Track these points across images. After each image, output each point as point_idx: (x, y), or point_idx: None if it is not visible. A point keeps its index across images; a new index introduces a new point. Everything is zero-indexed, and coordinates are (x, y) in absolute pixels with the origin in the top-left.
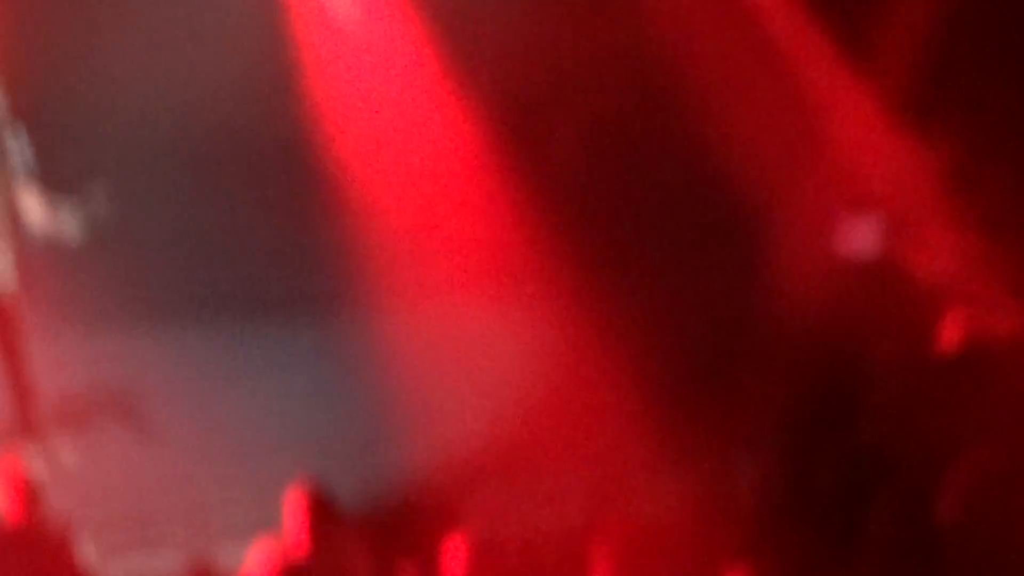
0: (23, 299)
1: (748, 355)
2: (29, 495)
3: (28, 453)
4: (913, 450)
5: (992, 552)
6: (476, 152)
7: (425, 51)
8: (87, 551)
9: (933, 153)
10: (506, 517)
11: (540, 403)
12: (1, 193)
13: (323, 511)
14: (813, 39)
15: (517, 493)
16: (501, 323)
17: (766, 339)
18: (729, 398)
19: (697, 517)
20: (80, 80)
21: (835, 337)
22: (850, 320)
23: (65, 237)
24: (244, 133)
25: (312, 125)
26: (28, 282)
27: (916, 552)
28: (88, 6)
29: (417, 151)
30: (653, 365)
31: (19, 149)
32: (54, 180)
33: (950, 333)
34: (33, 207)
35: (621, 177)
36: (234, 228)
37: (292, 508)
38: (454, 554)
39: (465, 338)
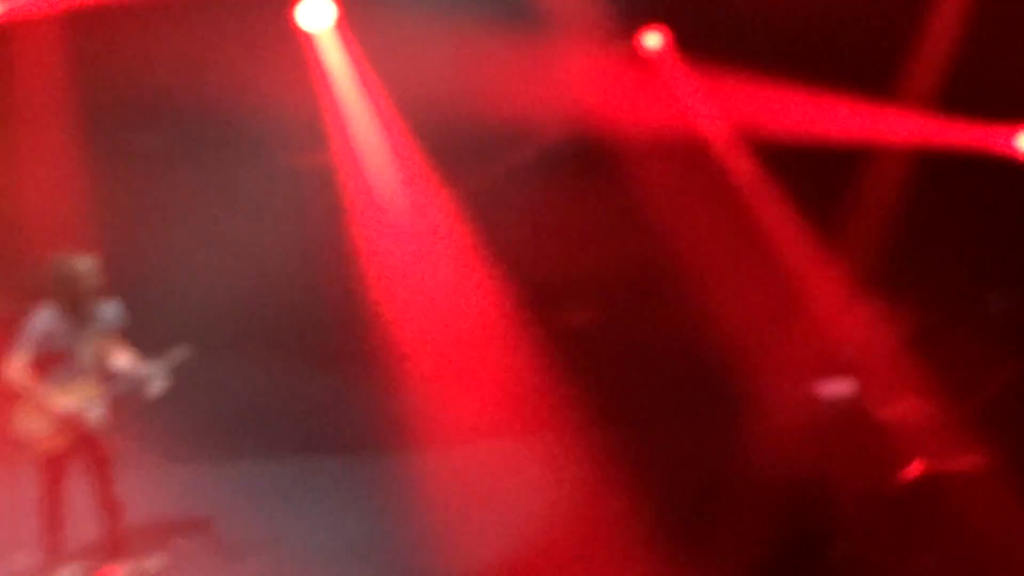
0: (115, 438)
1: (735, 489)
2: None
3: (118, 568)
4: (878, 566)
5: None
6: (503, 313)
7: (458, 228)
8: None
9: (896, 320)
10: None
11: (560, 526)
12: (97, 350)
13: None
14: (790, 215)
15: None
16: (525, 458)
17: (751, 477)
18: (718, 525)
19: None
20: (162, 255)
21: (811, 475)
22: (824, 461)
23: (151, 386)
24: (304, 297)
25: (361, 290)
26: (119, 423)
27: None
28: (169, 195)
29: (452, 311)
30: (653, 497)
31: (113, 315)
32: (142, 340)
33: (910, 472)
34: (123, 361)
35: (625, 339)
36: (295, 377)
37: None
38: None
39: (493, 469)
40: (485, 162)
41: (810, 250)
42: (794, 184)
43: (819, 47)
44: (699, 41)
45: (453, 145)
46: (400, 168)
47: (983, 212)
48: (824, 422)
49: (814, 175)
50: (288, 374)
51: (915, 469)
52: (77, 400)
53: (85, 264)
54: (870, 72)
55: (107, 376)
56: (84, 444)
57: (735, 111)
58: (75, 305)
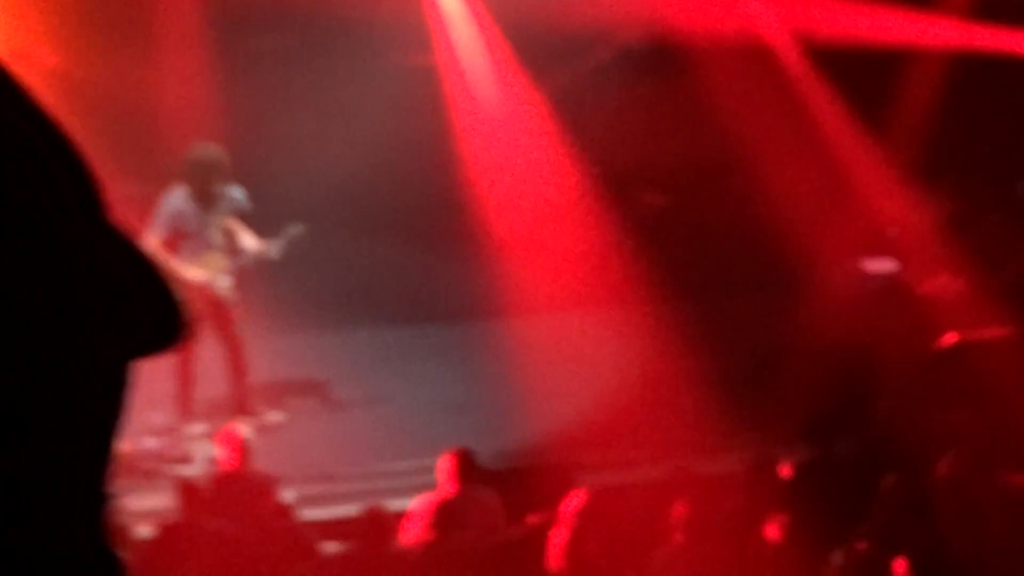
0: (240, 305)
1: (789, 355)
2: (243, 452)
3: (243, 422)
4: (916, 434)
5: (976, 505)
6: (584, 197)
7: (545, 121)
8: (287, 498)
9: (936, 202)
10: (610, 473)
11: (634, 387)
12: (223, 229)
13: (467, 469)
14: (840, 112)
15: (618, 456)
16: (604, 326)
17: (805, 343)
18: (774, 387)
19: (749, 478)
20: (279, 145)
21: (858, 343)
22: (869, 330)
23: (269, 259)
24: (408, 182)
25: (459, 176)
26: (243, 293)
27: (917, 512)
28: (288, 91)
29: (539, 195)
30: (717, 360)
31: (236, 197)
32: (261, 218)
33: (945, 340)
34: (246, 238)
35: (693, 220)
36: (399, 254)
37: (444, 467)
38: (569, 502)
39: (576, 336)
40: (570, 62)
41: (859, 142)
42: (845, 84)
43: None
44: None
45: (542, 46)
46: (494, 67)
47: (1013, 110)
48: (869, 295)
49: (863, 76)
50: (393, 251)
51: (949, 337)
52: (206, 272)
53: (214, 152)
54: None
55: (232, 251)
56: (213, 311)
57: (793, 17)
58: (204, 188)
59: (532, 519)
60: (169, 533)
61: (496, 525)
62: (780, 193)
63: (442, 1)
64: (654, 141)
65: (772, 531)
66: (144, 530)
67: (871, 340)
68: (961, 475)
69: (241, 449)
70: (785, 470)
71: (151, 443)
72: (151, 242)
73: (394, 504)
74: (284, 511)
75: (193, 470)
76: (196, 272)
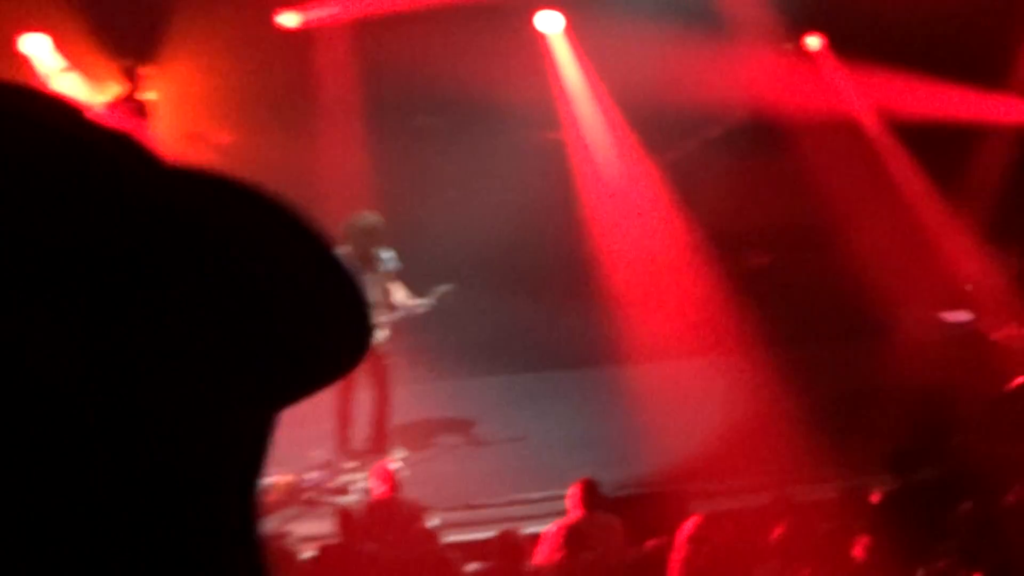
0: (394, 354)
1: (876, 395)
2: (393, 484)
3: (395, 458)
4: (989, 464)
5: None
6: (695, 256)
7: (660, 189)
8: (433, 523)
9: (1006, 260)
10: (719, 499)
11: (739, 425)
12: (380, 285)
13: (593, 497)
14: (921, 180)
15: (726, 484)
16: (712, 371)
17: (889, 385)
18: (863, 424)
19: (840, 504)
20: (427, 212)
21: (936, 384)
22: (947, 373)
23: (420, 314)
24: (539, 243)
25: (584, 238)
26: (397, 343)
27: (990, 534)
28: (437, 164)
29: (654, 255)
30: (813, 400)
31: (390, 259)
32: (412, 277)
33: (1014, 382)
34: (401, 295)
35: (791, 277)
36: (533, 308)
37: (572, 496)
38: (684, 526)
39: (687, 380)
40: (682, 138)
41: (937, 207)
42: (925, 155)
43: (946, 45)
44: (850, 42)
45: (657, 124)
46: (615, 142)
47: None
48: (947, 342)
49: (942, 147)
50: (526, 305)
51: (1018, 380)
52: None
53: (373, 219)
54: (987, 66)
55: (388, 307)
56: (369, 360)
57: (878, 98)
58: (364, 251)
59: (650, 542)
60: (329, 555)
61: (618, 547)
62: (868, 252)
63: (569, 84)
64: (756, 207)
65: (859, 551)
66: (307, 553)
67: (948, 382)
68: None
69: (392, 481)
70: (873, 497)
71: (313, 476)
72: None
73: (528, 528)
74: (430, 535)
75: (350, 500)
76: None
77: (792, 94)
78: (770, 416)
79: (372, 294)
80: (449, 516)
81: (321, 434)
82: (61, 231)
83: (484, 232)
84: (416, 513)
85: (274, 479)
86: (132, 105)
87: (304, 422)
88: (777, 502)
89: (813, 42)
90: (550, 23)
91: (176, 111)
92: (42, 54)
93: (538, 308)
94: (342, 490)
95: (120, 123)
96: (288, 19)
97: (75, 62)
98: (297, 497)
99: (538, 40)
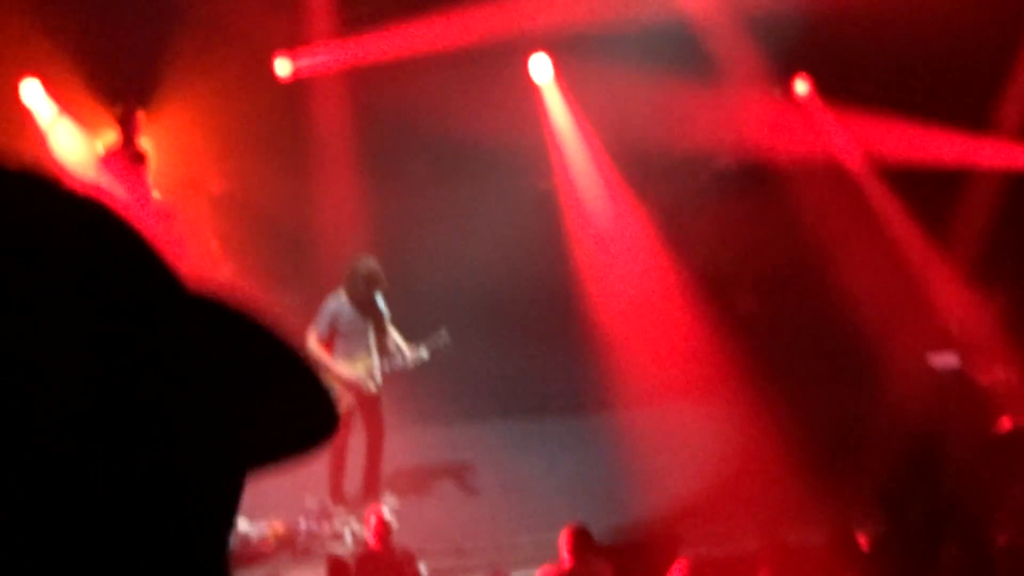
0: (383, 399)
1: (865, 438)
2: (385, 531)
3: (385, 505)
4: (978, 506)
5: None
6: (685, 301)
7: (649, 234)
8: (423, 570)
9: (993, 302)
10: (709, 544)
11: (729, 469)
12: (376, 332)
13: (583, 543)
14: (909, 223)
15: (715, 528)
16: (702, 415)
17: (879, 427)
18: (853, 466)
19: (830, 547)
20: (419, 257)
21: (926, 426)
22: (935, 415)
23: (413, 360)
24: (531, 289)
25: (575, 284)
26: (389, 388)
27: (979, 568)
28: (428, 210)
29: (645, 300)
30: (803, 444)
31: (383, 305)
32: (407, 322)
33: (1003, 425)
34: (397, 341)
35: (781, 320)
36: (525, 354)
37: (563, 541)
38: (678, 568)
39: (677, 425)
40: (671, 182)
41: (925, 250)
42: (912, 198)
43: (931, 88)
44: (837, 86)
45: (646, 168)
46: (605, 187)
47: None
48: (936, 385)
49: (928, 191)
50: (517, 351)
51: (1006, 423)
52: (359, 370)
53: (371, 263)
54: (972, 109)
55: (383, 352)
56: (364, 405)
57: (865, 141)
58: (361, 294)
59: None
60: None
61: None
62: (855, 294)
63: (560, 130)
64: (746, 250)
65: None
66: None
67: (938, 424)
68: (1017, 543)
69: (384, 528)
70: (862, 540)
71: (305, 524)
72: (311, 339)
73: (518, 574)
74: None
75: (342, 547)
76: (348, 369)
77: (780, 137)
78: (760, 460)
79: (368, 338)
80: (439, 562)
81: (315, 480)
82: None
83: (476, 277)
84: (407, 560)
85: (268, 526)
86: (129, 153)
87: (296, 469)
88: (765, 547)
89: (801, 86)
90: (542, 71)
91: (171, 158)
92: (36, 101)
93: (529, 353)
94: (335, 537)
95: (118, 172)
96: (282, 67)
97: (68, 108)
98: (291, 544)
99: (530, 87)
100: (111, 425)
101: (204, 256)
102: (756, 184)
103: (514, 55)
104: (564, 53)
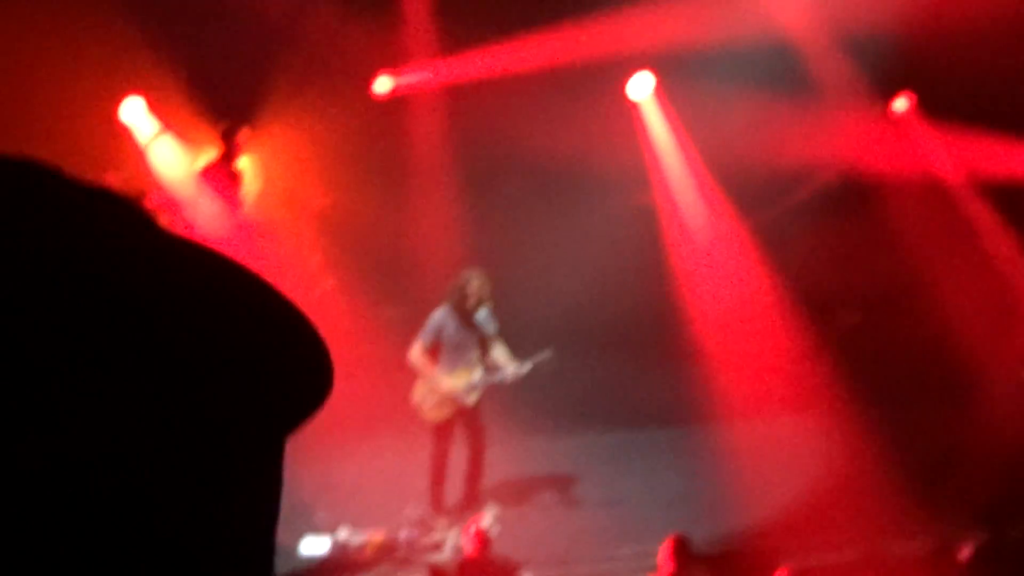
0: (485, 411)
1: (965, 453)
2: (485, 541)
3: (488, 515)
4: None
5: None
6: (785, 316)
7: (750, 251)
8: None
9: None
10: (808, 554)
11: (829, 481)
12: (479, 346)
13: (684, 553)
14: (1008, 239)
15: (815, 539)
16: (802, 429)
17: (979, 440)
18: (953, 479)
19: (930, 560)
20: (519, 274)
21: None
22: None
23: (515, 375)
24: (632, 304)
25: (676, 299)
26: (492, 401)
27: None
28: (528, 228)
29: (745, 315)
30: (902, 457)
31: (490, 319)
32: (509, 337)
33: None
34: (501, 356)
35: (882, 333)
36: (621, 367)
37: (664, 551)
38: None
39: (777, 438)
40: (773, 200)
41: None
42: (1013, 217)
43: None
44: (939, 103)
45: (747, 186)
46: (705, 204)
47: None
48: None
49: None
50: (619, 365)
51: None
52: (460, 383)
53: (478, 277)
54: None
55: (486, 367)
56: (464, 417)
57: (967, 159)
58: (466, 308)
59: None
60: None
61: None
62: (956, 311)
63: (660, 148)
64: (846, 267)
65: None
66: None
67: None
68: None
69: (484, 538)
70: (962, 553)
71: (406, 533)
72: (416, 350)
73: None
74: None
75: (442, 558)
76: (451, 382)
77: (881, 156)
78: (859, 473)
79: (471, 352)
80: (541, 572)
81: (415, 491)
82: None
83: (576, 294)
84: (508, 571)
85: (368, 536)
86: (226, 170)
87: (398, 480)
88: (865, 557)
89: (901, 104)
90: (641, 89)
91: (273, 174)
92: (137, 118)
93: (630, 367)
94: (435, 547)
95: (216, 187)
96: (382, 85)
97: (171, 125)
98: (390, 554)
99: (629, 105)
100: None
101: (306, 270)
102: (857, 201)
103: (612, 73)
104: (663, 71)
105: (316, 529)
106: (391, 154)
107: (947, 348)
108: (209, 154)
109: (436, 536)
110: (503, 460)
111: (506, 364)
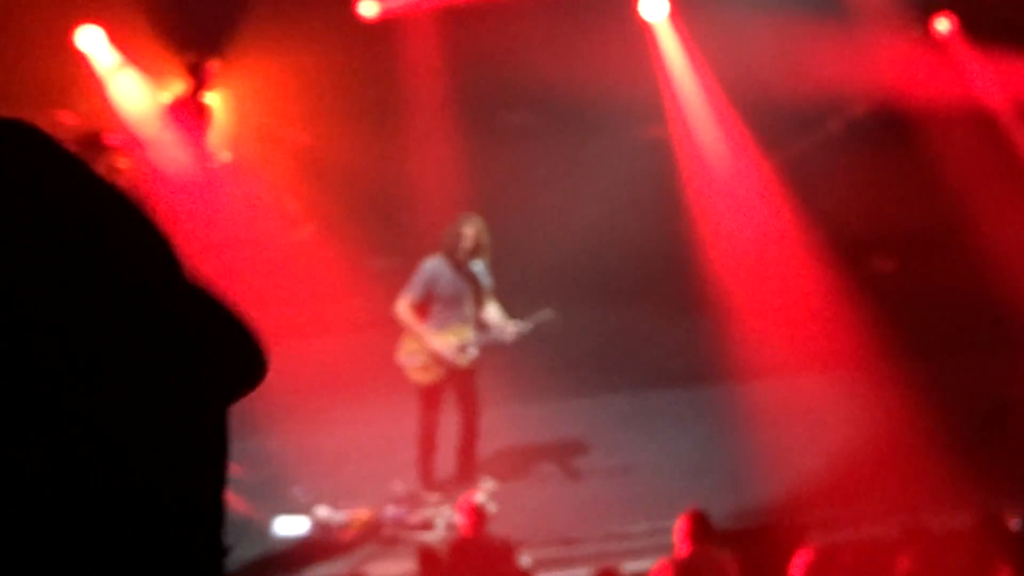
0: (481, 374)
1: (1014, 413)
2: (481, 518)
3: (483, 489)
4: None
5: None
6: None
7: (776, 190)
8: (524, 561)
9: None
10: (841, 529)
11: (863, 446)
12: (474, 300)
13: (702, 530)
14: None
15: (849, 512)
16: (834, 387)
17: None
18: (1001, 442)
19: (976, 532)
20: (522, 217)
21: None
22: None
23: (513, 334)
24: (644, 250)
25: (692, 244)
26: (487, 361)
27: None
28: (531, 165)
29: (770, 261)
30: (945, 419)
31: (486, 273)
32: (508, 288)
33: None
34: (495, 315)
35: (921, 281)
36: (632, 320)
37: (680, 529)
38: (800, 558)
39: (807, 398)
40: (800, 133)
41: None
42: None
43: None
44: (983, 24)
45: (772, 118)
46: (726, 138)
47: None
48: None
49: None
50: (630, 318)
51: None
52: (452, 341)
53: (476, 223)
54: None
55: (480, 325)
56: (455, 380)
57: (1015, 85)
58: (462, 257)
59: None
60: None
61: None
62: (1003, 255)
63: (675, 76)
64: (881, 207)
65: None
66: None
67: None
68: None
69: (479, 515)
70: (1013, 523)
71: (393, 511)
72: (402, 304)
73: (630, 566)
74: (522, 575)
75: (434, 536)
76: (441, 341)
77: (920, 83)
78: (898, 436)
79: (467, 307)
80: (543, 553)
81: (402, 464)
82: None
83: (583, 239)
84: (506, 551)
85: (351, 514)
86: (195, 105)
87: (383, 451)
88: (904, 530)
89: (942, 25)
90: (654, 9)
91: (247, 110)
92: (97, 49)
93: (643, 321)
94: (425, 525)
95: (183, 125)
96: (368, 8)
97: (133, 57)
98: (376, 534)
99: (641, 28)
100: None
101: (283, 216)
102: (893, 134)
103: None
104: None
105: (293, 506)
106: (379, 86)
107: (994, 295)
108: (175, 89)
109: (426, 513)
110: (502, 427)
111: (501, 323)
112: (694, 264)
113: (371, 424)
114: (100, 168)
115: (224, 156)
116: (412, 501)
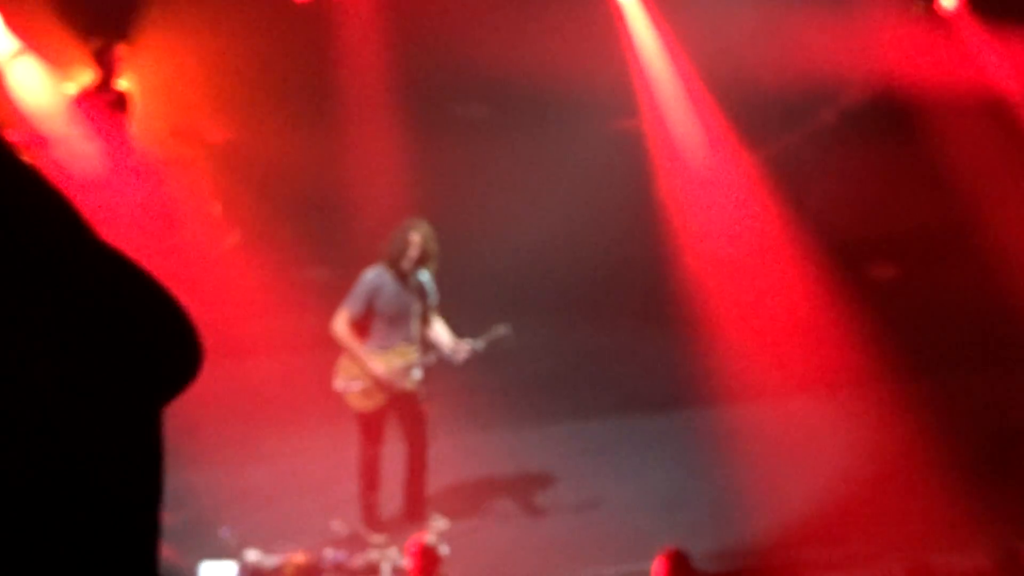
0: (430, 399)
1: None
2: (431, 562)
3: (431, 530)
4: None
5: None
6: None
7: (761, 190)
8: None
9: None
10: (837, 570)
11: (864, 476)
12: (420, 317)
13: (682, 571)
14: None
15: (845, 551)
16: (829, 410)
17: None
18: (1015, 472)
19: (992, 572)
20: (474, 222)
21: None
22: None
23: (464, 354)
24: (613, 256)
25: (668, 249)
26: (434, 386)
27: None
28: (488, 161)
29: (755, 269)
30: (953, 445)
31: (428, 282)
32: (460, 306)
33: None
34: (442, 333)
35: (927, 289)
36: (599, 338)
37: (658, 570)
38: None
39: (799, 422)
40: (788, 124)
41: None
42: None
43: None
44: (993, 1)
45: (756, 108)
46: (704, 131)
47: None
48: None
49: None
50: (600, 335)
51: None
52: (396, 363)
53: (422, 229)
54: None
55: (427, 344)
56: (400, 406)
57: None
58: (405, 268)
59: None
60: None
61: None
62: (1019, 259)
63: (648, 62)
64: (880, 206)
65: None
66: None
67: None
68: None
69: (430, 558)
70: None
71: (332, 554)
72: (340, 320)
73: None
74: None
75: None
76: (384, 363)
77: (923, 66)
78: (899, 465)
79: (412, 324)
80: None
81: (342, 500)
82: None
83: (544, 246)
84: None
85: (284, 557)
86: (109, 96)
87: (321, 486)
88: (907, 572)
89: (948, 2)
90: None
91: (159, 102)
92: None
93: (612, 338)
94: (369, 570)
95: (94, 118)
96: None
97: (33, 44)
98: None
99: (609, 8)
100: None
101: (204, 222)
102: (893, 124)
103: None
104: None
105: (220, 550)
106: (311, 73)
107: (1006, 305)
108: (82, 79)
109: (370, 556)
110: (451, 459)
111: (451, 342)
112: (669, 273)
113: (307, 456)
114: None
115: (138, 153)
116: (354, 543)
